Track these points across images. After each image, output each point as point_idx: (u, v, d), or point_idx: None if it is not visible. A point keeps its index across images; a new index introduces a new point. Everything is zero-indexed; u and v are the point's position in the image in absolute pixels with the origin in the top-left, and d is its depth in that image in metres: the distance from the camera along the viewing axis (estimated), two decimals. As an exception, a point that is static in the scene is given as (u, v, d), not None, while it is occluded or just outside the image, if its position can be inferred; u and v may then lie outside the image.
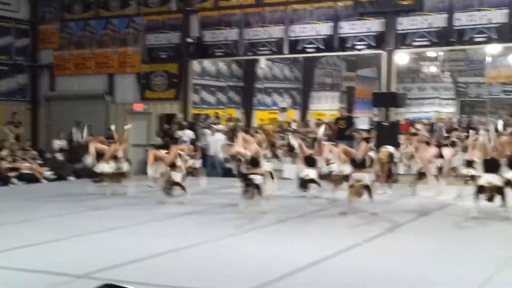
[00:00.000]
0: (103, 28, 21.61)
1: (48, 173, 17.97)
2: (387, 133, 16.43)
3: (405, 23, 17.56)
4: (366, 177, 11.04)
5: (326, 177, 12.95)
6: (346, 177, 11.71)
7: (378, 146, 14.86)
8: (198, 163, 15.21)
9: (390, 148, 14.02)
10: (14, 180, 17.27)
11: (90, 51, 21.75)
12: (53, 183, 17.47)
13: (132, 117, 20.96)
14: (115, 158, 14.31)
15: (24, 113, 22.19)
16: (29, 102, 22.53)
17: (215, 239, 8.95)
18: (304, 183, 13.15)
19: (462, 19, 16.90)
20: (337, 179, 12.03)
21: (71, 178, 18.39)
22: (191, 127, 19.39)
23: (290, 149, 20.55)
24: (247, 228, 9.85)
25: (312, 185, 13.27)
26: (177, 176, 12.62)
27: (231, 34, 19.65)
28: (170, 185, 12.57)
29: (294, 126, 25.02)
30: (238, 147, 12.06)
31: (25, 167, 17.82)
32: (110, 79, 21.51)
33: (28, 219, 10.93)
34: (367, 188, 10.97)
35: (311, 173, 13.07)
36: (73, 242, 8.86)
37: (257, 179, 11.29)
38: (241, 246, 8.57)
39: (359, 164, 11.28)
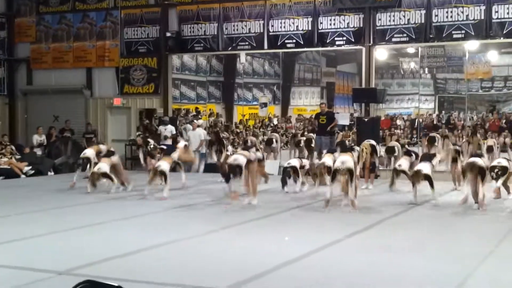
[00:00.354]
0: (80, 21, 21.38)
1: (26, 168, 17.75)
2: (367, 129, 16.51)
3: (383, 19, 17.66)
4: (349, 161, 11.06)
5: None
6: (329, 169, 11.72)
7: (359, 142, 14.95)
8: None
9: (372, 141, 14.10)
10: (-8, 175, 17.11)
11: (67, 44, 21.53)
12: (32, 178, 17.27)
13: (111, 112, 20.84)
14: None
15: (1, 108, 21.90)
16: (6, 96, 22.23)
17: (197, 234, 8.92)
18: (285, 172, 13.19)
19: (440, 15, 17.03)
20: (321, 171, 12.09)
21: (50, 173, 18.20)
22: (173, 122, 19.36)
23: (268, 143, 20.66)
24: (228, 224, 9.82)
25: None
26: (164, 166, 12.60)
27: (210, 28, 19.58)
28: (154, 174, 12.57)
29: (275, 121, 25.14)
30: None
31: (3, 162, 17.61)
32: (89, 73, 21.30)
33: (7, 214, 10.82)
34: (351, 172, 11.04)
35: (293, 161, 13.18)
36: (54, 238, 8.78)
37: (239, 159, 11.34)
38: (222, 242, 8.55)
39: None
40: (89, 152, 14.19)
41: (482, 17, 16.54)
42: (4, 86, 22.23)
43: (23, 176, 17.36)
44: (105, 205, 12.13)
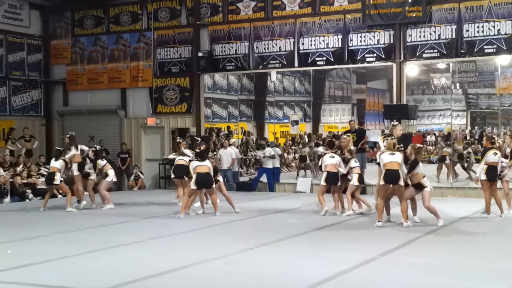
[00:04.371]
0: (114, 42, 21.85)
1: (63, 187, 18.05)
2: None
3: (414, 35, 17.68)
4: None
5: None
6: None
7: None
8: None
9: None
10: (30, 195, 17.46)
11: (102, 65, 21.99)
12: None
13: (145, 132, 21.18)
14: None
15: (38, 129, 22.41)
16: (42, 117, 22.77)
17: (231, 253, 8.99)
18: None
19: (471, 30, 16.99)
20: None
21: (86, 193, 18.46)
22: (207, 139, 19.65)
23: (302, 160, 20.74)
24: (260, 242, 9.85)
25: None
26: None
27: (241, 47, 19.83)
28: None
29: (306, 139, 25.19)
30: None
31: (41, 182, 18.00)
32: (123, 93, 21.72)
33: (46, 234, 11.06)
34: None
35: None
36: (90, 257, 8.94)
37: None
38: (255, 261, 8.59)
39: None
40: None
41: (514, 32, 16.47)
42: (41, 108, 22.78)
43: (60, 196, 17.68)
44: (140, 225, 12.32)
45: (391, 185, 11.21)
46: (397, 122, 12.63)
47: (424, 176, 11.43)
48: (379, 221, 11.34)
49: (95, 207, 14.70)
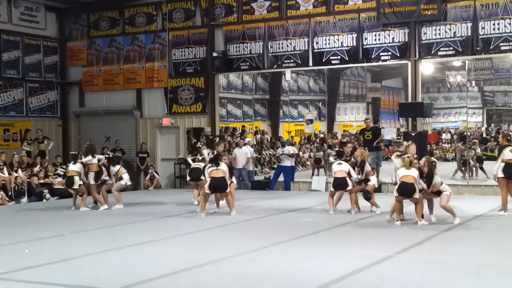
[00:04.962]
0: (129, 44, 21.98)
1: (79, 188, 18.20)
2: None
3: (429, 33, 17.62)
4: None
5: None
6: None
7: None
8: None
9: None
10: (47, 195, 17.62)
11: (117, 67, 22.14)
12: (84, 197, 17.71)
13: (160, 132, 21.30)
14: None
15: (55, 129, 22.61)
16: (59, 118, 22.97)
17: (244, 252, 9.00)
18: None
19: (487, 28, 16.90)
20: None
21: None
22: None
23: (317, 162, 20.73)
24: (276, 241, 9.86)
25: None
26: None
27: (256, 47, 19.88)
28: None
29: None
30: None
31: (58, 182, 18.16)
32: (138, 94, 21.86)
33: (62, 233, 11.15)
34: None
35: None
36: (108, 256, 9.01)
37: None
38: (270, 260, 8.60)
39: None
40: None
41: (530, 28, 16.36)
42: (57, 109, 22.99)
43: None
44: (155, 224, 12.38)
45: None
46: (410, 142, 12.60)
47: (442, 183, 11.41)
48: (397, 220, 11.34)
49: (106, 208, 14.72)
